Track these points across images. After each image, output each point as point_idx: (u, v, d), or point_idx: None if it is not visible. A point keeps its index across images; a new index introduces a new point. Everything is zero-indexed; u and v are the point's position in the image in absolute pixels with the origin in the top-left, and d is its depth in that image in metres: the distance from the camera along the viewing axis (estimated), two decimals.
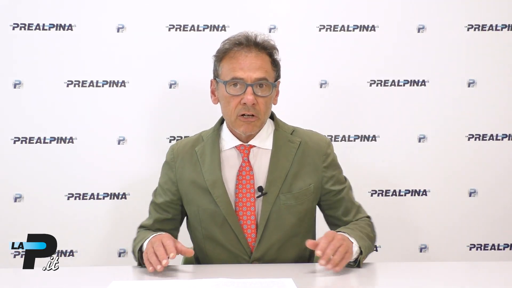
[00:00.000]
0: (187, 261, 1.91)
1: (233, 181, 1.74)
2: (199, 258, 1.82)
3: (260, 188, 1.71)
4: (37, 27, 2.48)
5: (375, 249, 1.81)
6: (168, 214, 1.82)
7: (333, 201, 1.79)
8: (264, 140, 1.77)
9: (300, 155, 1.77)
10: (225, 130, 1.80)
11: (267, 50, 1.72)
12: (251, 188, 1.72)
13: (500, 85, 2.57)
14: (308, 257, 1.82)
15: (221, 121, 1.83)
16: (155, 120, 2.53)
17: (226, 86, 1.69)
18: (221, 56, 1.72)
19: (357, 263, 1.60)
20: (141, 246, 1.66)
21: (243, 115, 1.69)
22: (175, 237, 1.82)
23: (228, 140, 1.78)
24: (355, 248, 1.58)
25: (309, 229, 1.80)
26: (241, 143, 1.76)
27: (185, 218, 1.86)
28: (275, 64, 1.75)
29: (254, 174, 1.73)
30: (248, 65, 1.68)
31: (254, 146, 1.76)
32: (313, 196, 1.76)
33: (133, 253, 1.72)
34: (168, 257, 1.52)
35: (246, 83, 1.67)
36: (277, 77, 1.77)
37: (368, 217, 1.81)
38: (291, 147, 1.77)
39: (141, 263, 1.64)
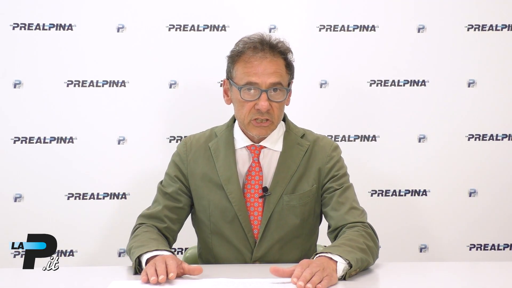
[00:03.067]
0: (188, 260, 1.91)
1: (242, 180, 1.75)
2: (202, 254, 1.82)
3: (264, 189, 1.73)
4: (37, 27, 2.48)
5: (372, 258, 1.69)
6: (179, 202, 1.78)
7: (327, 198, 1.76)
8: (275, 142, 1.78)
9: (308, 158, 1.77)
10: (237, 129, 1.80)
11: (282, 54, 1.72)
12: (259, 188, 1.73)
13: (500, 85, 2.57)
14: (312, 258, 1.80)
15: (234, 118, 1.83)
16: (155, 120, 2.53)
17: (240, 91, 1.69)
18: (235, 58, 1.71)
19: (343, 278, 1.47)
20: (140, 256, 1.55)
21: (256, 119, 1.70)
22: (177, 231, 1.79)
23: (240, 140, 1.78)
24: (341, 266, 1.46)
25: (312, 231, 1.80)
26: (252, 143, 1.77)
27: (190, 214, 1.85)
28: (289, 67, 1.75)
29: (263, 174, 1.74)
30: (263, 70, 1.67)
31: (265, 147, 1.77)
32: (315, 197, 1.77)
33: (128, 252, 1.64)
34: (168, 277, 1.42)
35: (261, 88, 1.67)
36: (291, 79, 1.77)
37: (364, 223, 1.68)
38: (299, 149, 1.78)
39: (137, 272, 1.54)
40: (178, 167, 1.81)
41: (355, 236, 1.60)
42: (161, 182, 1.84)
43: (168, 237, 1.75)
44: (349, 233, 1.63)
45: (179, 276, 1.47)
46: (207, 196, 1.76)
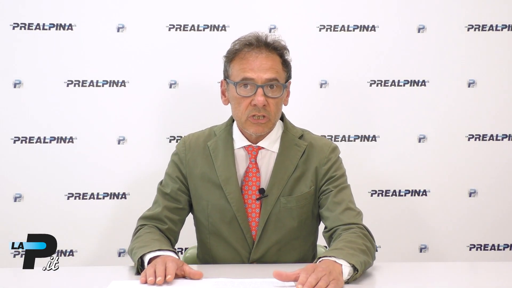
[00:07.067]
0: (188, 260, 1.91)
1: (240, 181, 1.74)
2: (200, 254, 1.82)
3: (261, 190, 1.72)
4: (37, 27, 2.48)
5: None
6: (179, 203, 1.78)
7: (323, 199, 1.74)
8: (273, 143, 1.77)
9: (305, 159, 1.76)
10: (235, 129, 1.79)
11: (278, 50, 1.72)
12: (256, 189, 1.72)
13: (500, 85, 2.56)
14: (311, 259, 1.80)
15: (232, 118, 1.82)
16: (155, 120, 2.53)
17: (236, 87, 1.69)
18: (231, 56, 1.72)
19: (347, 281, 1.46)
20: (142, 256, 1.56)
21: (253, 116, 1.69)
22: (178, 231, 1.79)
23: (238, 140, 1.77)
24: (346, 270, 1.45)
25: (310, 232, 1.80)
26: (250, 144, 1.76)
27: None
28: (286, 65, 1.75)
29: (260, 176, 1.73)
30: (259, 65, 1.67)
31: (263, 148, 1.76)
32: (313, 199, 1.76)
33: (130, 253, 1.65)
34: (165, 279, 1.43)
35: (257, 84, 1.67)
36: (288, 77, 1.77)
37: (359, 224, 1.67)
38: (297, 150, 1.76)
39: (139, 272, 1.55)
40: (177, 166, 1.80)
41: (353, 237, 1.58)
42: (161, 183, 1.83)
43: (170, 238, 1.75)
44: (346, 235, 1.60)
45: (178, 277, 1.47)
46: (205, 196, 1.75)
